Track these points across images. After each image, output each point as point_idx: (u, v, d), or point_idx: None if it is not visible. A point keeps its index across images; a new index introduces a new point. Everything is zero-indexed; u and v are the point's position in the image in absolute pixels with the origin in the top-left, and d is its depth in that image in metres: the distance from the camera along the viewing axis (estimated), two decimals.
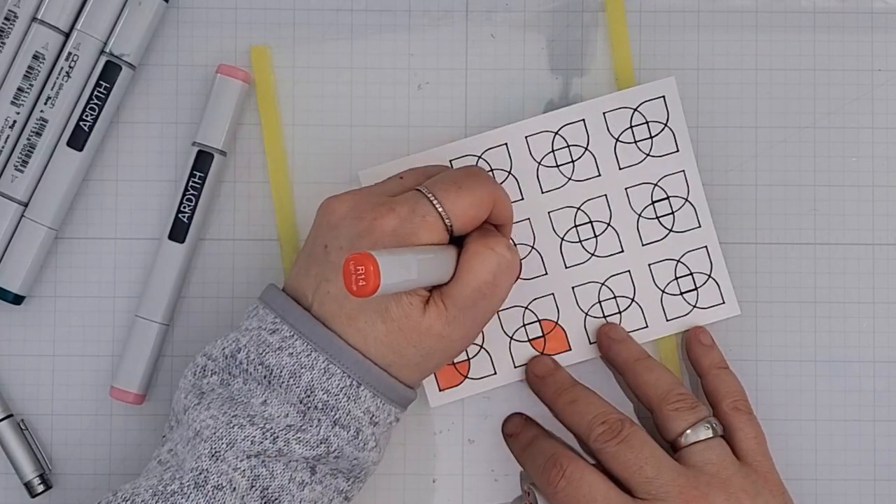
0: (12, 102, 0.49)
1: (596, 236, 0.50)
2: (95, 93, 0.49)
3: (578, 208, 0.50)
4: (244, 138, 0.51)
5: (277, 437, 0.42)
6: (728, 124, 0.51)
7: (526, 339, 0.50)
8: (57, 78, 0.49)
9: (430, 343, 0.43)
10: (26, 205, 0.50)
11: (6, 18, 0.49)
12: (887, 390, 0.51)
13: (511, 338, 0.50)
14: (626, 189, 0.50)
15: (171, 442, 0.44)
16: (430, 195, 0.43)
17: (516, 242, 0.50)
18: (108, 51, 0.49)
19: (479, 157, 0.50)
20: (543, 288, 0.50)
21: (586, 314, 0.50)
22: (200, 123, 0.50)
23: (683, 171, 0.50)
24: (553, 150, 0.50)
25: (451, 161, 0.50)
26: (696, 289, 0.50)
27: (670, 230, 0.50)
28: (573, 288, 0.50)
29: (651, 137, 0.50)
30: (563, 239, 0.50)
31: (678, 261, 0.50)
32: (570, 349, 0.50)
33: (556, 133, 0.50)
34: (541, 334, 0.50)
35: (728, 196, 0.51)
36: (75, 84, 0.49)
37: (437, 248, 0.43)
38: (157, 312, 0.50)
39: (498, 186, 0.45)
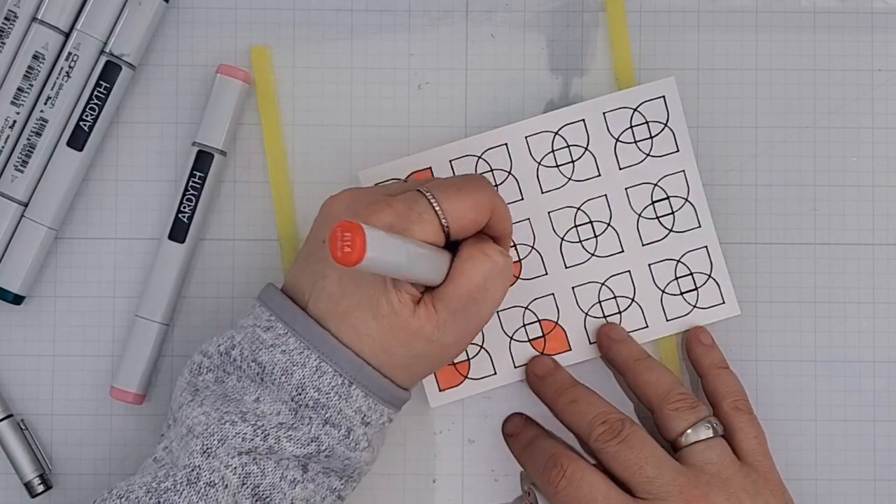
0: (12, 102, 0.49)
1: (596, 236, 0.50)
2: (95, 93, 0.49)
3: (578, 208, 0.50)
4: (244, 138, 0.51)
5: (268, 434, 0.42)
6: (728, 124, 0.51)
7: (526, 339, 0.50)
8: (57, 78, 0.49)
9: (421, 345, 0.43)
10: (26, 205, 0.50)
11: (6, 18, 0.49)
12: (887, 390, 0.51)
13: (511, 338, 0.50)
14: (626, 189, 0.50)
15: (167, 440, 0.44)
16: (428, 195, 0.43)
17: (516, 243, 0.50)
18: (108, 51, 0.49)
19: (479, 157, 0.50)
20: (543, 288, 0.50)
21: (586, 314, 0.50)
22: (200, 123, 0.50)
23: (683, 171, 0.50)
24: (553, 150, 0.50)
25: (450, 161, 0.50)
26: (696, 289, 0.50)
27: (670, 230, 0.50)
28: (573, 288, 0.50)
29: (651, 137, 0.50)
30: (563, 239, 0.50)
31: (678, 261, 0.50)
32: (570, 349, 0.50)
33: (556, 133, 0.50)
34: (541, 334, 0.50)
35: (728, 196, 0.51)
36: (75, 84, 0.49)
37: (431, 247, 0.43)
38: (157, 312, 0.50)
39: (498, 196, 0.45)
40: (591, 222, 0.50)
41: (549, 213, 0.50)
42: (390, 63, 0.51)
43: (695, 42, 0.51)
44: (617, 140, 0.50)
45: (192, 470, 0.42)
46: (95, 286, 0.51)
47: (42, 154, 0.49)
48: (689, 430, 0.46)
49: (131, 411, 0.51)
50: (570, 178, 0.50)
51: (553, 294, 0.50)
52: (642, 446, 0.45)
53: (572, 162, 0.50)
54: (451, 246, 0.44)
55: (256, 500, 0.42)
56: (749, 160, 0.51)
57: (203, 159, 0.50)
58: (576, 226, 0.50)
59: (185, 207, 0.49)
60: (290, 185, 0.51)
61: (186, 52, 0.51)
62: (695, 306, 0.50)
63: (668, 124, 0.50)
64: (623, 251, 0.50)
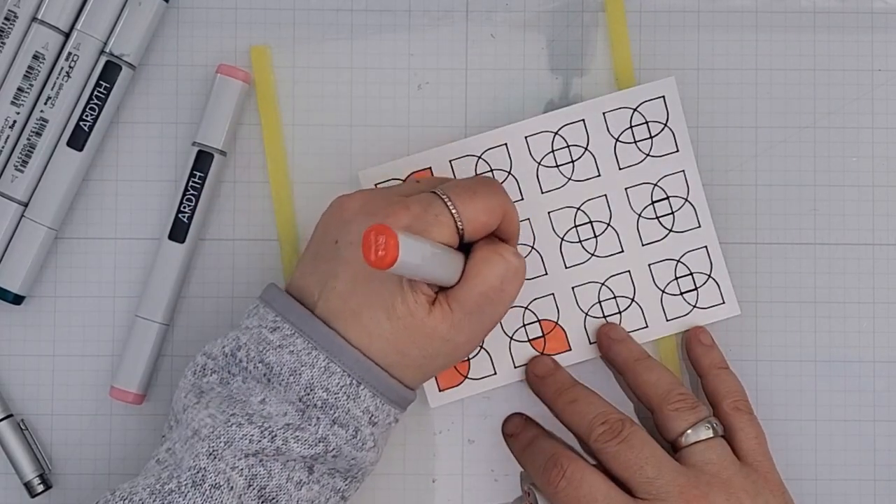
0: (12, 102, 0.49)
1: (596, 236, 0.50)
2: (95, 93, 0.49)
3: (578, 208, 0.50)
4: (244, 138, 0.51)
5: (276, 435, 0.42)
6: (728, 124, 0.51)
7: (526, 339, 0.50)
8: (57, 78, 0.49)
9: (435, 345, 0.43)
10: (26, 205, 0.50)
11: (6, 18, 0.49)
12: (887, 390, 0.51)
13: (511, 338, 0.50)
14: (626, 189, 0.50)
15: (170, 441, 0.44)
16: (444, 197, 0.43)
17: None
18: (108, 51, 0.49)
19: (479, 158, 0.50)
20: (543, 288, 0.50)
21: (586, 314, 0.50)
22: (200, 123, 0.50)
23: (683, 171, 0.50)
24: (553, 150, 0.50)
25: (450, 161, 0.50)
26: (696, 289, 0.50)
27: (670, 230, 0.50)
28: (573, 288, 0.50)
29: (651, 137, 0.50)
30: (562, 239, 0.50)
31: (678, 261, 0.50)
32: (570, 349, 0.50)
33: (556, 133, 0.50)
34: (541, 334, 0.50)
35: (728, 196, 0.51)
36: (75, 84, 0.49)
37: (448, 248, 0.43)
38: (157, 312, 0.50)
39: (510, 200, 0.45)
40: (590, 222, 0.50)
41: (549, 213, 0.50)
42: (390, 63, 0.51)
43: (695, 42, 0.51)
44: (617, 140, 0.50)
45: (198, 472, 0.41)
46: (95, 286, 0.51)
47: (42, 154, 0.49)
48: (689, 431, 0.46)
49: (131, 411, 0.51)
50: (569, 178, 0.50)
51: (553, 294, 0.50)
52: (642, 446, 0.45)
53: (572, 162, 0.50)
54: (462, 248, 0.44)
55: (262, 502, 0.42)
56: (749, 160, 0.51)
57: (203, 159, 0.50)
58: (575, 226, 0.50)
59: (185, 207, 0.49)
60: (290, 185, 0.51)
61: (186, 52, 0.51)
62: (695, 306, 0.50)
63: (668, 124, 0.50)
64: (623, 251, 0.50)
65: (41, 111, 0.49)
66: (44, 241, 0.50)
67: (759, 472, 0.46)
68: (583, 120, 0.50)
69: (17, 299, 0.50)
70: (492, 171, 0.50)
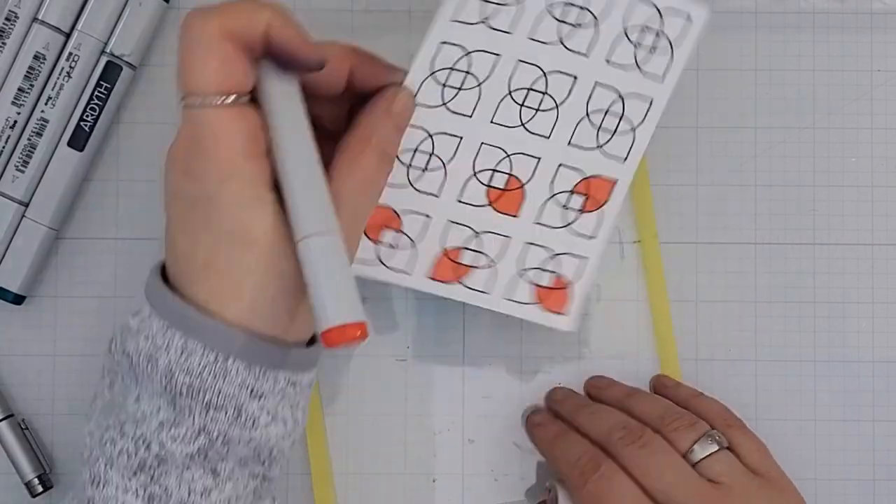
0: (13, 102, 0.49)
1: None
2: (96, 93, 0.49)
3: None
4: None
5: (151, 441, 0.37)
6: (728, 124, 0.51)
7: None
8: (58, 78, 0.49)
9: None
10: (27, 205, 0.50)
11: (7, 19, 0.49)
12: (887, 390, 0.51)
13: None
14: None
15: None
16: (184, 101, 0.37)
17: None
18: (108, 51, 0.49)
19: None
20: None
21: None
22: None
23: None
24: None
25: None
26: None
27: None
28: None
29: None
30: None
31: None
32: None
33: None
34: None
35: (728, 196, 0.51)
36: (76, 84, 0.49)
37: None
38: None
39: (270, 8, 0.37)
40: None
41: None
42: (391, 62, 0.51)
43: (695, 42, 0.51)
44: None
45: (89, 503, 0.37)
46: (95, 286, 0.51)
47: (42, 154, 0.49)
48: (694, 447, 0.45)
49: None
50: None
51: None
52: (662, 452, 0.44)
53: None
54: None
55: None
56: (749, 160, 0.51)
57: None
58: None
59: None
60: None
61: None
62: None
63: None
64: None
65: (42, 111, 0.49)
66: (44, 241, 0.50)
67: (771, 482, 0.45)
68: None
69: (18, 299, 0.50)
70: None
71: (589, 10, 0.45)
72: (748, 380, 0.50)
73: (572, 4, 0.45)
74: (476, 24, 0.45)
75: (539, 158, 0.46)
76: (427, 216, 0.46)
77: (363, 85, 0.42)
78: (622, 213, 0.50)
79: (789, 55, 0.51)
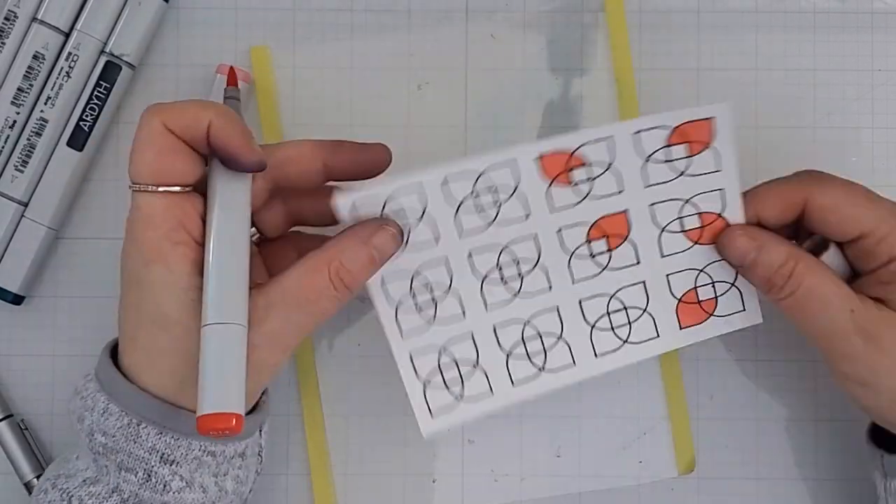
0: (12, 102, 0.49)
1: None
2: (95, 93, 0.49)
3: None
4: None
5: (72, 495, 0.39)
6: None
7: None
8: (57, 78, 0.49)
9: None
10: (26, 205, 0.50)
11: (6, 18, 0.49)
12: None
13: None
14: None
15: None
16: (129, 187, 0.40)
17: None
18: (108, 51, 0.49)
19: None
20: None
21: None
22: None
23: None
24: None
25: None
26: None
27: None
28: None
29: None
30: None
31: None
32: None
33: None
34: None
35: None
36: (75, 84, 0.49)
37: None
38: None
39: (214, 107, 0.40)
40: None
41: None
42: (390, 63, 0.51)
43: (695, 42, 0.51)
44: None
45: None
46: (95, 286, 0.51)
47: (42, 154, 0.49)
48: None
49: None
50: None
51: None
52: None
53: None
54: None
55: None
56: (749, 160, 0.51)
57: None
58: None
59: None
60: None
61: (186, 52, 0.51)
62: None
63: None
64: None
65: (41, 111, 0.49)
66: (44, 241, 0.50)
67: None
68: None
69: (17, 299, 0.50)
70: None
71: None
72: (748, 380, 0.50)
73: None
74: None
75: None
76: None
77: (344, 174, 0.43)
78: None
79: (789, 55, 0.51)
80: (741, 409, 0.50)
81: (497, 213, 0.43)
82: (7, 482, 0.51)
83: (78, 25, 0.49)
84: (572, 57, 0.51)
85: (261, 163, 0.40)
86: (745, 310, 0.46)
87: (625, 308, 0.46)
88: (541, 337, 0.46)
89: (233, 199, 0.40)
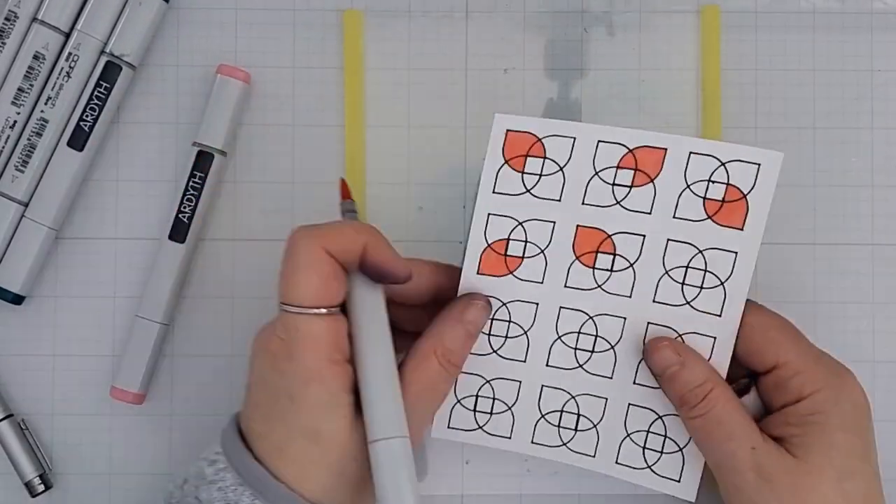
0: (13, 102, 0.49)
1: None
2: (96, 93, 0.49)
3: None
4: (244, 138, 0.51)
5: None
6: (728, 124, 0.51)
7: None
8: (57, 78, 0.49)
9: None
10: (27, 205, 0.50)
11: (6, 19, 0.49)
12: (887, 390, 0.51)
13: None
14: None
15: None
16: (282, 306, 0.41)
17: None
18: (108, 51, 0.49)
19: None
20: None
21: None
22: (201, 123, 0.50)
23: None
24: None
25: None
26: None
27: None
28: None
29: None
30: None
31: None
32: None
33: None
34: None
35: None
36: (76, 84, 0.49)
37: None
38: (157, 312, 0.50)
39: (369, 231, 0.42)
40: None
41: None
42: (390, 63, 0.51)
43: (695, 42, 0.51)
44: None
45: None
46: (95, 286, 0.51)
47: (42, 154, 0.49)
48: None
49: (131, 411, 0.51)
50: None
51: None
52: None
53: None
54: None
55: None
56: None
57: (203, 159, 0.50)
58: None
59: (185, 207, 0.50)
60: (365, 129, 0.51)
61: (186, 52, 0.51)
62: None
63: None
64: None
65: (41, 111, 0.49)
66: (44, 241, 0.50)
67: None
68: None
69: (17, 299, 0.50)
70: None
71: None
72: None
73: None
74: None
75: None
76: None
77: (447, 295, 0.45)
78: None
79: (789, 55, 0.51)
80: None
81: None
82: (7, 482, 0.51)
83: (78, 25, 0.49)
84: (572, 57, 0.51)
85: (410, 275, 0.43)
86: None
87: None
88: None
89: (376, 316, 0.42)
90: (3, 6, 0.49)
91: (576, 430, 0.46)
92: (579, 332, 0.45)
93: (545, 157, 0.44)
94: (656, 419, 0.45)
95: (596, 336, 0.45)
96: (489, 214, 0.44)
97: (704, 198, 0.43)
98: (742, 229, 0.43)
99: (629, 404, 0.46)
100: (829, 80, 0.51)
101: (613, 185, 0.44)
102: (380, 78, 0.51)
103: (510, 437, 0.47)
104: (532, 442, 0.47)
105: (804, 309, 0.51)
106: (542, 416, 0.46)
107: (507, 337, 0.46)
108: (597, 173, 0.44)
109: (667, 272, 0.44)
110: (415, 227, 0.51)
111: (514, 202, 0.44)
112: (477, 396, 0.46)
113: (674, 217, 0.43)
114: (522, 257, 0.45)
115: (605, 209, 0.44)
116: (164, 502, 0.43)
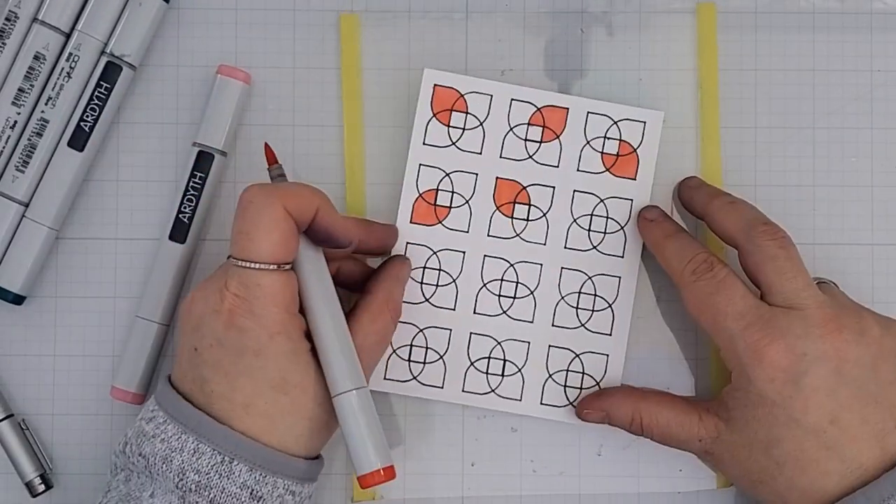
0: (13, 103, 0.49)
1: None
2: (96, 93, 0.49)
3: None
4: (244, 138, 0.51)
5: None
6: (728, 124, 0.51)
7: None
8: (58, 78, 0.49)
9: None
10: (27, 205, 0.50)
11: (7, 19, 0.49)
12: None
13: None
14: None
15: None
16: (234, 260, 0.43)
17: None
18: (108, 51, 0.49)
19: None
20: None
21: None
22: (201, 124, 0.50)
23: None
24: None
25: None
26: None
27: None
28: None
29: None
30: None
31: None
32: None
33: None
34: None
35: None
36: (76, 84, 0.49)
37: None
38: (157, 312, 0.50)
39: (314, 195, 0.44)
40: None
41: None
42: (390, 63, 0.51)
43: (695, 42, 0.51)
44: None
45: None
46: (95, 286, 0.51)
47: (43, 154, 0.49)
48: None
49: (131, 411, 0.51)
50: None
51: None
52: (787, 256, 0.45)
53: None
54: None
55: None
56: (749, 160, 0.51)
57: (203, 160, 0.50)
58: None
59: (185, 208, 0.50)
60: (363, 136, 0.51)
61: (186, 52, 0.51)
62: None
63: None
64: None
65: (42, 111, 0.49)
66: (44, 241, 0.50)
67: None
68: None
69: (18, 299, 0.50)
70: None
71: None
72: None
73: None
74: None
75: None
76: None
77: (368, 248, 0.48)
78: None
79: (789, 55, 0.51)
80: None
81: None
82: (7, 482, 0.51)
83: (79, 26, 0.49)
84: (572, 57, 0.51)
85: (352, 241, 0.45)
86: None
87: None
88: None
89: (320, 272, 0.45)
90: (3, 6, 0.49)
91: (503, 375, 0.50)
92: (502, 280, 0.50)
93: (467, 112, 0.50)
94: (574, 358, 0.49)
95: (517, 283, 0.50)
96: (420, 165, 0.50)
97: (602, 152, 0.50)
98: (635, 179, 0.50)
99: (549, 346, 0.49)
100: (828, 80, 0.51)
101: (526, 140, 0.50)
102: (380, 78, 0.51)
103: (442, 387, 0.50)
104: (463, 391, 0.50)
105: None
106: (472, 363, 0.50)
107: (437, 285, 0.50)
108: (511, 129, 0.50)
109: (574, 220, 0.50)
110: None
111: (442, 154, 0.50)
112: (411, 346, 0.50)
113: (577, 170, 0.50)
114: (450, 207, 0.50)
115: (520, 162, 0.50)
116: (111, 474, 0.44)
